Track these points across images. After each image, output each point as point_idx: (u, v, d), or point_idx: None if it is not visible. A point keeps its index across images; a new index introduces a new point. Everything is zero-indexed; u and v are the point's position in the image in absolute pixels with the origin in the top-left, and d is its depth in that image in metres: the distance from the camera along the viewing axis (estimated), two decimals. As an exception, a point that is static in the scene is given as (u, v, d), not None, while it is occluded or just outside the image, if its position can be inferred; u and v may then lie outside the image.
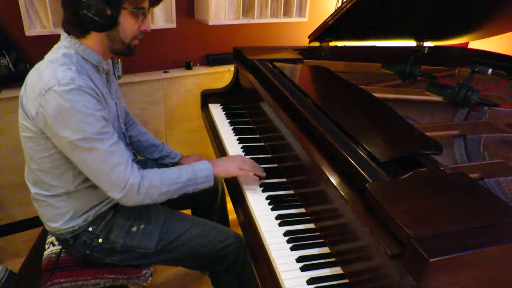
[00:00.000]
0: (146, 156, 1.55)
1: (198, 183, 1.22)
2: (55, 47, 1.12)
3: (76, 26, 1.07)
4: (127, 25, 1.09)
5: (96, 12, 1.00)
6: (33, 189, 1.19)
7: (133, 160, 1.35)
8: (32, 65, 1.72)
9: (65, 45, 1.09)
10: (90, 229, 1.20)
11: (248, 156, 1.46)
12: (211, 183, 1.24)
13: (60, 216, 1.17)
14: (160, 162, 1.56)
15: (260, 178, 1.30)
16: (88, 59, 1.11)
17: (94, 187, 1.17)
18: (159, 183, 1.14)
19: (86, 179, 1.15)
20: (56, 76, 1.00)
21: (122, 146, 1.10)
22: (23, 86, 1.09)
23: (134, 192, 1.09)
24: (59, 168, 1.12)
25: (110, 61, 1.26)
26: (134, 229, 1.22)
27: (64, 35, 1.10)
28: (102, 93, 1.12)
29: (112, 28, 1.06)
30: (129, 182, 1.08)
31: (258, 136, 1.63)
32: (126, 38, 1.12)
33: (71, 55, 1.08)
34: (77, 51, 1.09)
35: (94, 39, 1.10)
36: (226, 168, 1.28)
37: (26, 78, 1.09)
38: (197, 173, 1.21)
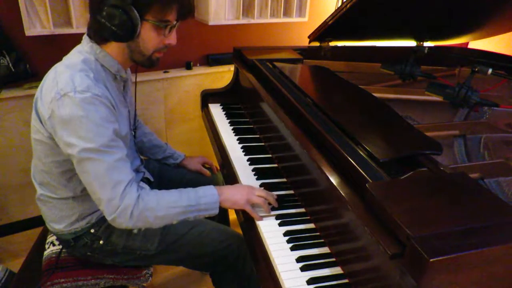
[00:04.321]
0: (148, 157, 1.55)
1: (201, 210, 1.12)
2: (75, 51, 1.10)
3: (98, 33, 1.06)
4: (148, 37, 1.06)
5: (115, 23, 0.98)
6: (39, 190, 1.18)
7: (140, 165, 1.35)
8: (32, 65, 1.74)
9: (87, 50, 1.08)
10: (92, 231, 1.20)
11: (248, 156, 1.46)
12: (216, 212, 1.15)
13: (65, 218, 1.17)
14: (163, 163, 1.56)
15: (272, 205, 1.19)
16: (107, 67, 1.10)
17: None
18: (155, 205, 1.06)
19: None
20: (73, 82, 0.98)
21: (128, 164, 1.06)
22: (38, 88, 1.08)
23: (127, 214, 1.02)
24: (67, 173, 1.11)
25: (129, 69, 1.24)
26: (135, 231, 1.22)
27: (86, 39, 1.09)
28: (116, 103, 1.10)
29: (131, 40, 1.04)
30: (123, 202, 1.02)
31: (258, 136, 1.63)
32: (147, 50, 1.08)
33: (90, 62, 1.06)
34: (97, 58, 1.08)
35: (115, 47, 1.09)
36: (234, 199, 1.15)
37: (42, 80, 1.07)
38: (201, 199, 1.12)
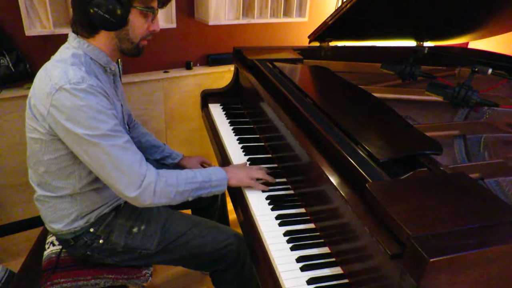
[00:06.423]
0: (147, 157, 1.55)
1: (213, 186, 1.20)
2: (63, 48, 1.11)
3: (86, 25, 1.07)
4: (137, 24, 1.09)
5: (106, 10, 1.00)
6: (38, 191, 1.18)
7: None
8: (32, 65, 1.73)
9: (74, 45, 1.09)
10: (91, 230, 1.20)
11: (248, 156, 1.46)
12: (225, 188, 1.24)
13: (63, 217, 1.17)
14: (161, 163, 1.56)
15: (270, 183, 1.29)
16: (96, 60, 1.11)
17: (98, 189, 1.17)
18: (176, 182, 1.12)
19: (92, 181, 1.15)
20: (66, 75, 0.99)
21: (134, 144, 1.10)
22: (31, 88, 1.08)
23: (151, 190, 1.07)
24: (66, 170, 1.12)
25: (115, 62, 1.25)
26: (134, 230, 1.22)
27: (72, 36, 1.10)
28: (110, 94, 1.11)
29: (122, 27, 1.06)
30: (145, 180, 1.06)
31: (258, 136, 1.63)
32: (135, 38, 1.11)
33: (80, 56, 1.07)
34: (86, 52, 1.09)
35: (102, 39, 1.10)
36: (239, 176, 1.25)
37: (34, 79, 1.08)
38: (212, 175, 1.20)
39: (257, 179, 1.28)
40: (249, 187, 1.28)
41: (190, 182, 1.15)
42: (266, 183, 1.28)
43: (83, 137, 1.00)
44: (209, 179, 1.19)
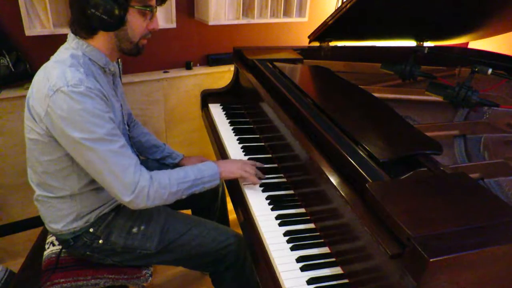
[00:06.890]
0: (147, 156, 1.55)
1: (205, 182, 1.21)
2: (62, 48, 1.11)
3: (84, 26, 1.07)
4: (135, 23, 1.09)
5: (104, 11, 1.00)
6: (37, 191, 1.18)
7: None
8: (32, 65, 1.73)
9: (73, 46, 1.09)
10: (91, 230, 1.20)
11: (248, 156, 1.46)
12: (218, 182, 1.24)
13: (63, 217, 1.17)
14: (162, 163, 1.56)
15: (260, 179, 1.31)
16: (95, 61, 1.10)
17: (98, 189, 1.17)
18: (168, 183, 1.12)
19: (91, 182, 1.14)
20: (65, 77, 0.99)
21: (129, 148, 1.10)
22: (30, 88, 1.08)
23: (144, 194, 1.08)
24: (64, 171, 1.12)
25: (115, 62, 1.25)
26: (134, 230, 1.22)
27: (71, 36, 1.10)
28: (108, 95, 1.11)
29: (120, 27, 1.06)
30: (139, 184, 1.06)
31: (258, 136, 1.63)
32: (135, 37, 1.11)
33: (78, 57, 1.07)
34: (84, 52, 1.09)
35: (102, 39, 1.10)
36: (230, 169, 1.27)
37: (33, 80, 1.08)
38: (203, 172, 1.21)
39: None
40: (249, 186, 1.28)
41: (182, 182, 1.15)
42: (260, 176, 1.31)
43: (79, 141, 1.00)
44: (201, 176, 1.20)
